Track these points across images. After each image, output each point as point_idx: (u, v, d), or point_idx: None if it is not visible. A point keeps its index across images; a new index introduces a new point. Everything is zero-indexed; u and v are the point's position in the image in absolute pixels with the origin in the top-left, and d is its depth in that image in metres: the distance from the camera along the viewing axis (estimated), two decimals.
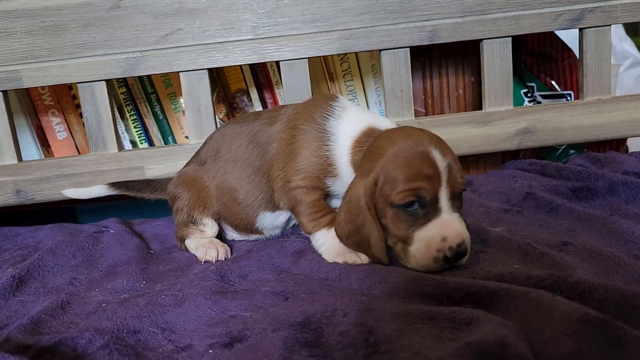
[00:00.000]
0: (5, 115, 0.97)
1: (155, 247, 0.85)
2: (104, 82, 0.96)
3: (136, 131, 1.26)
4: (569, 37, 1.28)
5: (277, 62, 1.15)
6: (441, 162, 0.63)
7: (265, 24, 0.94)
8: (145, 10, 0.93)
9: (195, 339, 0.54)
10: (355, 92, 1.27)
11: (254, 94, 1.26)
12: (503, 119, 0.99)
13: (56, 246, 0.85)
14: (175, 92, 1.25)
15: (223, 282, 0.67)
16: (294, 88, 0.97)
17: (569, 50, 1.25)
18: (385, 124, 0.70)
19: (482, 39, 0.97)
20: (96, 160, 0.98)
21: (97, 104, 0.97)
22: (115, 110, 1.05)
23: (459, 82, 1.14)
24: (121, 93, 1.23)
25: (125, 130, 1.26)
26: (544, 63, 1.26)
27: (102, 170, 0.98)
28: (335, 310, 0.56)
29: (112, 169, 0.98)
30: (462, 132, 0.99)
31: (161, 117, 1.26)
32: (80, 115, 1.24)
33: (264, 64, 1.19)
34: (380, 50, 0.97)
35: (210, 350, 0.52)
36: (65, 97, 1.24)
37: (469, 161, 1.15)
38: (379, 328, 0.51)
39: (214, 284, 0.66)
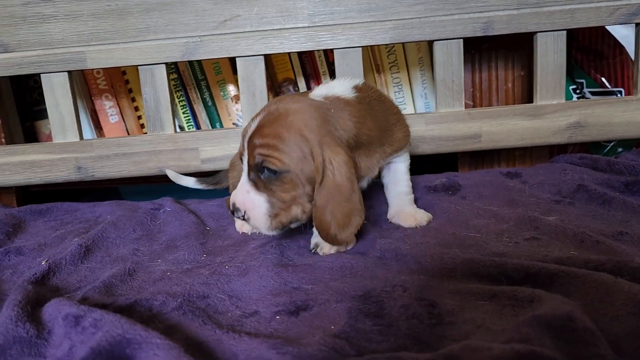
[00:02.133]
0: (70, 95, 1.01)
1: (211, 224, 0.89)
2: (163, 65, 1.00)
3: (185, 117, 1.29)
4: (621, 34, 1.26)
5: (325, 51, 1.17)
6: (248, 132, 0.68)
7: (322, 12, 0.96)
8: None
9: (261, 307, 0.57)
10: (401, 84, 1.28)
11: (302, 84, 1.28)
12: (554, 112, 0.99)
13: (117, 220, 0.89)
14: (224, 79, 1.28)
15: (282, 257, 0.70)
16: (346, 75, 0.99)
17: (621, 47, 1.24)
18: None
19: (536, 32, 0.97)
20: (153, 141, 1.02)
21: (156, 86, 1.00)
22: (173, 93, 1.09)
23: (508, 75, 1.14)
24: (172, 79, 1.27)
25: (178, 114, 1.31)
26: (594, 59, 1.25)
27: (159, 150, 1.02)
28: (394, 286, 0.58)
29: (168, 149, 1.02)
30: (513, 124, 0.99)
31: (210, 103, 1.29)
32: (132, 100, 1.28)
33: (312, 54, 1.21)
34: (433, 40, 0.98)
35: (277, 317, 0.54)
36: (118, 82, 1.28)
37: (515, 154, 1.15)
38: (440, 302, 0.53)
39: (274, 258, 0.69)
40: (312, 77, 1.27)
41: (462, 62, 0.98)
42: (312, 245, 0.73)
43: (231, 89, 1.28)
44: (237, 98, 1.28)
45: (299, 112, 0.66)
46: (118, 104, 1.30)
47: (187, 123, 1.29)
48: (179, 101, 1.28)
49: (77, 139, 1.03)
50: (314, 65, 1.26)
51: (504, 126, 0.99)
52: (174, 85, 1.26)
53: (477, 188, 0.92)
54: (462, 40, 0.97)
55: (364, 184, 0.79)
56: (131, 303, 0.56)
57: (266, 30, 0.97)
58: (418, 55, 1.28)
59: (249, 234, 0.82)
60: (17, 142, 1.26)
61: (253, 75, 1.00)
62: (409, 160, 0.84)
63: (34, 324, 0.51)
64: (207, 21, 0.97)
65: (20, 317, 0.51)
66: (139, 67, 1.00)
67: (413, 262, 0.65)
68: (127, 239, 0.84)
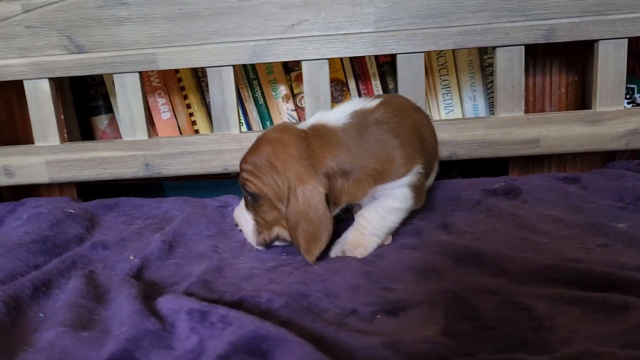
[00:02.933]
0: (140, 95, 1.05)
1: None
2: (231, 67, 1.03)
3: None
4: None
5: (375, 57, 1.20)
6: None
7: (387, 17, 0.99)
8: (274, 1, 0.99)
9: (358, 305, 0.60)
10: (449, 87, 1.30)
11: (352, 84, 1.31)
12: (613, 119, 1.01)
13: (189, 217, 0.93)
14: (276, 79, 1.31)
15: (363, 259, 0.73)
16: (408, 80, 1.02)
17: None
18: None
19: (597, 40, 0.99)
20: (219, 140, 1.05)
21: (223, 87, 1.04)
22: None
23: (562, 80, 1.15)
24: None
25: None
26: None
27: (224, 150, 1.05)
28: (482, 290, 0.61)
29: (233, 148, 1.05)
30: (571, 130, 1.01)
31: (261, 102, 1.33)
32: (184, 97, 1.32)
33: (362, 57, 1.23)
34: (495, 47, 1.00)
35: (378, 316, 0.57)
36: (171, 80, 1.32)
37: (567, 158, 1.17)
38: (534, 306, 0.56)
39: (355, 259, 0.72)
40: (361, 79, 1.30)
41: (523, 68, 1.00)
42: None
43: (282, 88, 1.31)
44: (287, 97, 1.32)
45: (273, 141, 0.73)
46: (170, 101, 1.34)
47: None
48: None
49: (146, 137, 1.07)
50: (364, 66, 1.29)
51: (563, 132, 1.01)
52: None
53: (537, 193, 0.94)
54: (523, 46, 0.99)
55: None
56: (237, 300, 0.59)
57: (332, 34, 1.00)
58: (468, 59, 1.30)
59: None
60: (75, 138, 1.31)
61: (317, 78, 1.03)
62: (402, 203, 0.76)
63: (155, 317, 0.55)
64: (274, 25, 1.00)
65: (143, 310, 0.55)
66: (207, 69, 1.04)
67: (493, 266, 0.68)
68: (203, 236, 0.87)
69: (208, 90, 1.29)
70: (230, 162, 1.06)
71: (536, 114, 1.04)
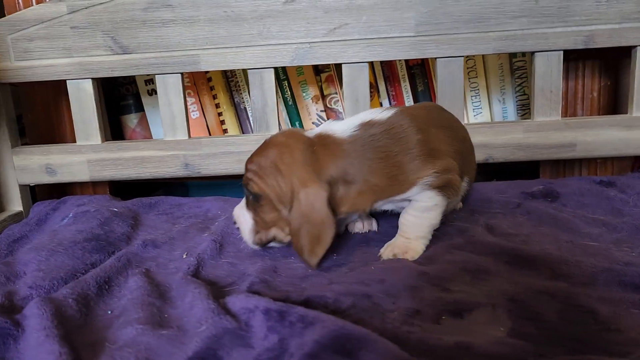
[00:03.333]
0: (182, 95, 1.07)
1: None
2: (272, 69, 1.05)
3: None
4: None
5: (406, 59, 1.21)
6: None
7: (427, 22, 1.00)
8: (317, 5, 1.01)
9: (421, 307, 0.61)
10: (478, 90, 1.32)
11: (382, 87, 1.32)
12: None
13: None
14: (306, 80, 1.33)
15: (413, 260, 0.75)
16: (447, 84, 1.03)
17: None
18: None
19: (636, 46, 1.00)
20: (259, 141, 1.06)
21: (264, 89, 1.06)
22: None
23: (594, 85, 1.17)
24: None
25: None
26: None
27: None
28: (539, 292, 0.63)
29: None
30: (607, 135, 1.03)
31: (290, 102, 1.34)
32: (213, 97, 1.34)
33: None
34: (534, 52, 1.01)
35: (443, 317, 0.59)
36: (201, 80, 1.34)
37: (597, 162, 1.19)
38: (597, 309, 0.57)
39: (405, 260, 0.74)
40: (389, 81, 1.32)
41: (561, 73, 1.02)
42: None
43: (312, 89, 1.32)
44: (317, 98, 1.33)
45: (280, 145, 0.75)
46: (200, 100, 1.35)
47: None
48: None
49: (186, 137, 1.09)
50: (393, 69, 1.30)
51: (600, 136, 1.03)
52: None
53: (576, 196, 0.96)
54: (562, 52, 1.01)
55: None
56: (304, 300, 0.61)
57: (372, 38, 1.02)
58: (498, 62, 1.31)
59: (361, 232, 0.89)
60: (106, 137, 1.32)
61: (357, 81, 1.04)
62: (428, 202, 0.76)
63: (229, 316, 0.56)
64: (317, 28, 1.02)
65: (217, 309, 0.57)
66: (248, 71, 1.06)
67: (546, 268, 0.69)
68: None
69: (237, 90, 1.31)
70: None
71: (573, 118, 1.06)
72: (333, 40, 1.02)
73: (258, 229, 0.78)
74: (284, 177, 0.72)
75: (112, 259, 0.78)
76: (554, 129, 1.03)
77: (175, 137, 1.09)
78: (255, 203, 0.76)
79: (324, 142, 0.75)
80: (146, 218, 1.02)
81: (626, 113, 1.05)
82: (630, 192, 0.95)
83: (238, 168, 1.09)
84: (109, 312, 0.65)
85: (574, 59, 1.16)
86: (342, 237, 0.86)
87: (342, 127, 0.76)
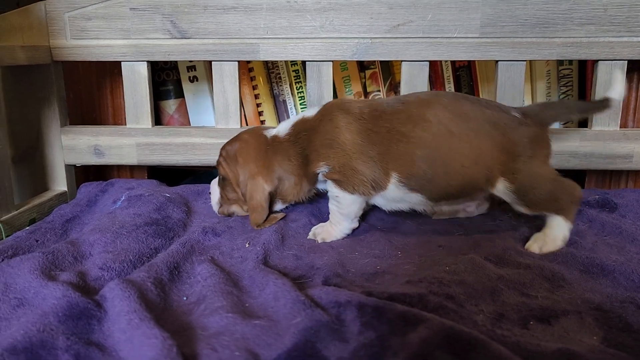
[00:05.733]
0: (237, 84, 1.06)
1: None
2: (330, 63, 1.04)
3: (302, 108, 1.33)
4: None
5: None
6: None
7: (493, 24, 0.99)
8: (382, 1, 1.00)
9: (504, 310, 0.61)
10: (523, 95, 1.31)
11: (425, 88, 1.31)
12: None
13: (288, 210, 0.94)
14: (349, 75, 1.31)
15: (490, 261, 0.74)
16: (507, 88, 1.02)
17: None
18: None
19: None
20: None
21: (321, 82, 1.05)
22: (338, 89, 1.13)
23: None
24: (293, 71, 1.31)
25: (293, 106, 1.35)
26: None
27: None
28: (623, 302, 0.62)
29: None
30: None
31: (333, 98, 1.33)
32: (254, 87, 1.32)
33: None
34: (598, 60, 1.00)
35: (531, 322, 0.58)
36: (242, 69, 1.33)
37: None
38: None
39: (484, 261, 0.73)
40: (432, 82, 1.30)
41: (624, 83, 1.01)
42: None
43: (354, 86, 1.31)
44: (359, 95, 1.32)
45: (243, 141, 0.90)
46: (239, 91, 1.34)
47: None
48: (298, 92, 1.32)
49: (239, 125, 1.08)
50: (437, 70, 1.29)
51: None
52: (294, 77, 1.30)
53: (635, 208, 0.95)
54: (626, 62, 1.00)
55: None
56: (388, 297, 0.60)
57: (436, 37, 1.01)
58: (546, 69, 1.30)
59: None
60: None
61: (416, 79, 1.03)
62: (336, 194, 0.83)
63: (320, 309, 0.55)
64: (380, 24, 1.01)
65: (307, 302, 0.56)
66: (306, 62, 1.04)
67: (623, 278, 0.69)
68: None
69: (277, 82, 1.30)
70: None
71: (632, 129, 1.05)
72: (396, 37, 1.01)
73: (222, 203, 0.93)
74: (241, 167, 0.88)
75: (177, 244, 0.77)
76: (612, 139, 1.02)
77: (227, 126, 1.08)
78: (222, 182, 0.91)
79: (274, 141, 0.88)
80: (196, 205, 1.01)
81: None
82: None
83: None
84: (185, 299, 0.64)
85: (629, 70, 1.15)
86: (401, 232, 0.86)
87: (283, 127, 0.89)
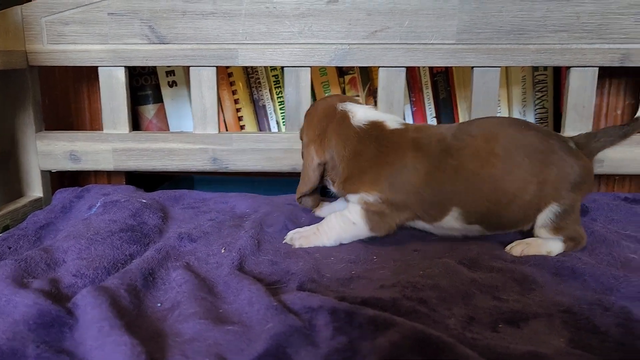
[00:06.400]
0: (215, 89, 1.06)
1: None
2: (309, 69, 1.05)
3: (281, 113, 1.33)
4: None
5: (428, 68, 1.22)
6: None
7: (469, 31, 1.01)
8: (360, 7, 1.01)
9: (474, 314, 0.61)
10: (499, 100, 1.33)
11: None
12: None
13: (266, 214, 0.94)
14: (328, 80, 1.32)
15: (459, 262, 0.75)
16: (482, 94, 1.04)
17: None
18: None
19: None
20: (290, 139, 1.06)
21: (299, 87, 1.05)
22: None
23: (619, 103, 1.18)
24: (273, 76, 1.31)
25: (273, 111, 1.35)
26: None
27: (294, 149, 1.06)
28: (591, 304, 0.63)
29: None
30: (634, 153, 1.04)
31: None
32: (233, 92, 1.33)
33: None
34: (570, 66, 1.02)
35: (500, 325, 0.59)
36: (221, 74, 1.33)
37: (615, 178, 1.20)
38: None
39: (459, 267, 0.73)
40: (411, 87, 1.32)
41: (595, 89, 1.03)
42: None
43: (334, 91, 1.32)
44: None
45: (315, 105, 0.90)
46: (218, 95, 1.34)
47: (282, 120, 1.33)
48: (278, 97, 1.32)
49: (217, 131, 1.08)
50: (414, 75, 1.30)
51: (627, 153, 1.04)
52: (274, 82, 1.30)
53: (604, 212, 0.97)
54: (597, 68, 1.02)
55: None
56: (361, 302, 0.60)
57: (413, 44, 1.02)
58: (521, 74, 1.32)
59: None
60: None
61: (393, 86, 1.04)
62: (354, 218, 0.82)
63: (292, 314, 0.56)
64: (358, 30, 1.02)
65: (281, 307, 0.56)
66: (284, 68, 1.05)
67: (592, 280, 0.70)
68: (283, 233, 0.88)
69: (257, 87, 1.30)
70: (300, 162, 1.07)
71: None
72: (373, 43, 1.02)
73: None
74: (305, 130, 0.87)
75: (152, 250, 0.77)
76: None
77: (205, 131, 1.07)
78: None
79: (340, 118, 0.84)
80: (173, 211, 1.00)
81: None
82: None
83: (268, 166, 1.08)
84: (159, 305, 0.64)
85: (600, 76, 1.17)
86: (378, 240, 0.87)
87: (361, 116, 0.84)
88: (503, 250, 0.81)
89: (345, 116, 0.84)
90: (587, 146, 0.84)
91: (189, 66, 1.05)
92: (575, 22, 1.00)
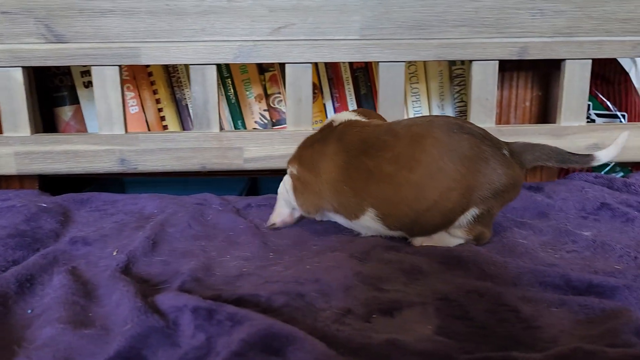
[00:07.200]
0: (119, 88, 1.03)
1: (257, 222, 0.93)
2: (214, 66, 1.03)
3: None
4: (625, 61, 1.37)
5: (350, 62, 1.23)
6: None
7: (372, 26, 1.02)
8: (263, 4, 1.00)
9: (352, 305, 0.62)
10: (418, 95, 1.35)
11: (326, 88, 1.33)
12: (576, 133, 1.08)
13: (172, 215, 0.93)
14: (250, 78, 1.31)
15: (351, 257, 0.75)
16: (389, 88, 1.05)
17: (626, 74, 1.35)
18: None
19: (565, 59, 1.05)
20: (199, 138, 1.05)
21: (206, 85, 1.04)
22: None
23: (527, 95, 1.22)
24: None
25: None
26: (601, 84, 1.35)
27: (203, 148, 1.05)
28: (469, 292, 0.65)
29: (213, 147, 1.05)
30: (538, 142, 1.07)
31: (233, 101, 1.33)
32: (154, 92, 1.30)
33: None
34: (472, 60, 1.05)
35: (374, 316, 0.60)
36: (141, 74, 1.30)
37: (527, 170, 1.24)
38: (521, 308, 0.59)
39: (346, 260, 0.74)
40: (334, 83, 1.33)
41: (496, 81, 1.06)
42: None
43: (255, 88, 1.31)
44: (260, 97, 1.32)
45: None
46: (139, 95, 1.32)
47: None
48: None
49: (123, 131, 1.05)
50: (337, 71, 1.31)
51: None
52: None
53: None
54: (498, 62, 1.05)
55: None
56: (236, 298, 0.60)
57: (318, 40, 1.02)
58: (438, 69, 1.35)
59: None
60: (38, 129, 1.26)
61: (301, 81, 1.04)
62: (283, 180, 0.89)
63: (158, 314, 0.55)
64: (262, 27, 1.01)
65: (145, 308, 0.55)
66: (190, 66, 1.03)
67: (476, 269, 0.71)
68: (187, 234, 0.87)
69: (179, 86, 1.28)
70: (209, 161, 1.06)
71: (507, 125, 1.10)
72: (278, 40, 1.02)
73: None
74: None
75: (37, 256, 0.74)
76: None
77: (111, 132, 1.05)
78: None
79: (322, 136, 0.85)
80: (77, 214, 0.97)
81: (555, 122, 1.10)
82: (556, 197, 1.00)
83: (177, 165, 1.07)
84: (29, 312, 0.61)
85: (509, 69, 1.21)
86: (273, 236, 0.86)
87: (342, 119, 0.85)
88: (402, 242, 0.82)
89: (330, 124, 0.86)
90: (520, 156, 0.80)
91: (90, 65, 1.02)
92: (474, 16, 1.02)
